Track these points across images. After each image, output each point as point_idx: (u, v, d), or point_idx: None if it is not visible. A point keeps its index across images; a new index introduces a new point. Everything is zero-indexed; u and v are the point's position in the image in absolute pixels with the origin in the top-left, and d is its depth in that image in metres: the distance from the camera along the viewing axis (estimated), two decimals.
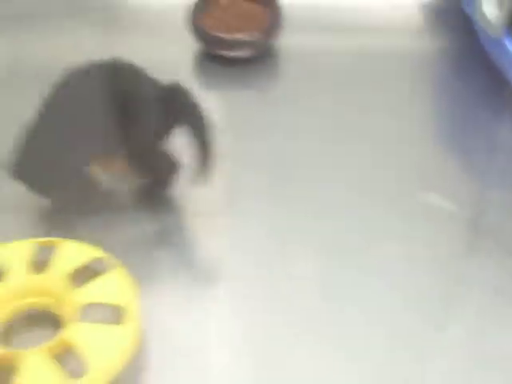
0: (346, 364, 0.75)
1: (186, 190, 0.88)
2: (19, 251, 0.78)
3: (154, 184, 0.89)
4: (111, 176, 0.87)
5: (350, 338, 0.76)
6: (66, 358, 0.70)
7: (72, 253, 0.78)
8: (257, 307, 0.79)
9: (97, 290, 0.74)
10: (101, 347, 0.70)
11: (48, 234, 0.80)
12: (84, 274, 0.76)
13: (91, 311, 0.73)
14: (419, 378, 0.73)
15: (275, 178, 0.91)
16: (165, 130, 0.84)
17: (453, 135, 0.97)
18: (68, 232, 0.80)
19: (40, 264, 0.77)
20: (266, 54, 1.05)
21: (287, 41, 1.05)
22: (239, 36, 1.02)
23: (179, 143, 0.85)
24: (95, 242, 0.79)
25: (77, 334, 0.71)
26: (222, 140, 0.93)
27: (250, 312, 0.79)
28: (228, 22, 1.04)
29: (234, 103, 1.01)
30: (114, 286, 0.75)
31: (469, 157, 0.94)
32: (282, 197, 0.89)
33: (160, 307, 0.77)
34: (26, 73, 1.01)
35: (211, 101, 1.01)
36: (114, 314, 0.73)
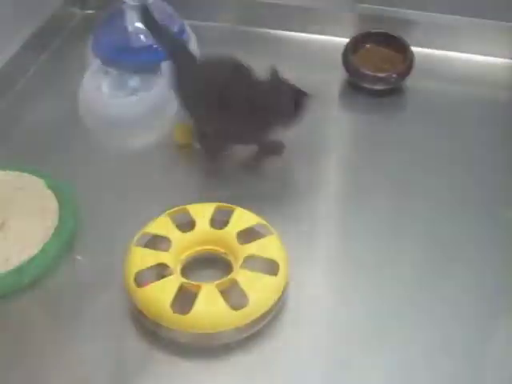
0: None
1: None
2: (205, 211, 0.86)
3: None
4: None
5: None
6: (231, 293, 0.77)
7: (242, 217, 0.85)
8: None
9: (258, 247, 0.81)
10: (258, 288, 0.78)
11: (226, 202, 0.87)
12: (249, 234, 0.83)
13: (253, 261, 0.80)
14: None
15: (394, 180, 0.97)
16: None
17: None
18: (239, 202, 0.87)
19: (218, 222, 0.85)
20: (397, 90, 1.11)
21: (414, 81, 1.11)
22: (380, 74, 1.09)
23: None
24: (260, 211, 0.86)
25: (242, 276, 0.78)
26: (356, 151, 0.97)
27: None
28: (371, 62, 1.11)
29: (368, 124, 1.08)
30: (270, 245, 0.82)
31: None
32: (395, 194, 0.95)
33: (301, 267, 0.83)
34: None
35: (351, 121, 1.08)
36: (269, 266, 0.80)
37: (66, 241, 0.87)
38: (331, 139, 1.04)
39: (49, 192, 0.91)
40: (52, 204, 0.90)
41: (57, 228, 0.87)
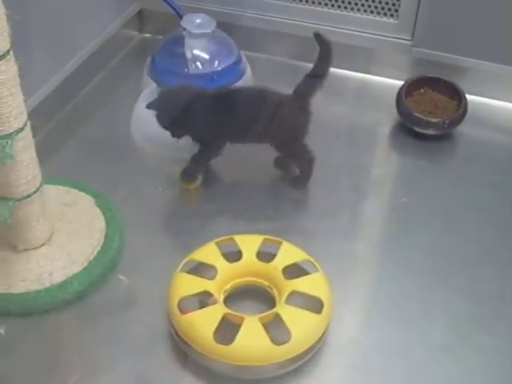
0: None
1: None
2: (252, 242, 0.85)
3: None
4: None
5: None
6: (274, 327, 0.76)
7: (289, 252, 0.84)
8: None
9: (304, 284, 0.80)
10: (301, 325, 0.77)
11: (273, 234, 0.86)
12: (295, 270, 0.82)
13: (297, 297, 0.79)
14: None
15: (439, 223, 0.97)
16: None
17: None
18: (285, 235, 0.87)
19: (265, 255, 0.84)
20: (448, 136, 1.10)
21: (465, 128, 1.11)
22: (432, 119, 1.08)
23: None
24: (305, 246, 0.85)
25: (285, 312, 0.77)
26: (402, 192, 0.96)
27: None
28: (425, 107, 1.09)
29: (416, 167, 1.07)
30: (316, 283, 0.81)
31: None
32: (440, 236, 0.95)
33: (342, 307, 0.83)
34: None
35: (399, 163, 1.07)
36: (313, 304, 0.78)
37: (111, 260, 0.87)
38: (378, 179, 1.04)
39: (97, 210, 0.92)
40: (99, 222, 0.90)
41: (102, 246, 0.87)
